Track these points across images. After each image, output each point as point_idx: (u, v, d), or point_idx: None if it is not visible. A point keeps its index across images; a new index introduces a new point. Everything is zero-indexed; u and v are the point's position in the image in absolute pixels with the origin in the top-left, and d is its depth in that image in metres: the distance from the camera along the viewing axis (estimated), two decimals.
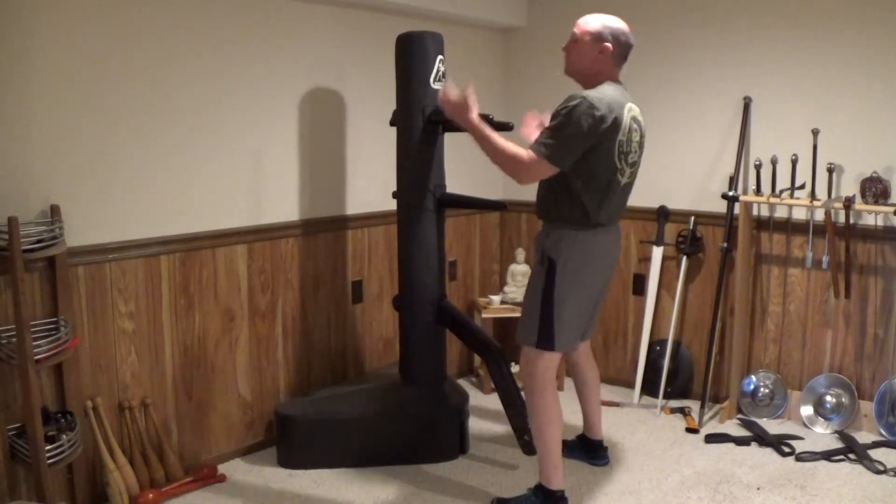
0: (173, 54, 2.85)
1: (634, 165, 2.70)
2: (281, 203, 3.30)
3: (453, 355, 4.15)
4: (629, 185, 2.72)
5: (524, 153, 2.51)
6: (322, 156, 3.45)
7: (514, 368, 4.11)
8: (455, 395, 3.29)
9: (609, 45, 2.61)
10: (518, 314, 3.95)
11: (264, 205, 3.23)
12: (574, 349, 2.97)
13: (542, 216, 2.76)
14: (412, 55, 3.04)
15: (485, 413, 3.69)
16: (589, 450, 3.19)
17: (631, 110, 2.62)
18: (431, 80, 3.05)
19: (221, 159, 3.05)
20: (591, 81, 2.64)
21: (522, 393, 3.05)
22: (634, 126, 2.63)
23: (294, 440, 3.14)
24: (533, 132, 2.83)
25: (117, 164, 2.74)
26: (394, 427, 3.16)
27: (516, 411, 3.03)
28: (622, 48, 2.64)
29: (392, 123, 3.24)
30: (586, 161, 2.53)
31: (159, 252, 2.88)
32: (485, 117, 3.06)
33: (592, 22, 2.64)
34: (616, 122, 2.51)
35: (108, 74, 2.67)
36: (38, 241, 2.41)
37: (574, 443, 3.24)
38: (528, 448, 3.00)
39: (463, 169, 3.78)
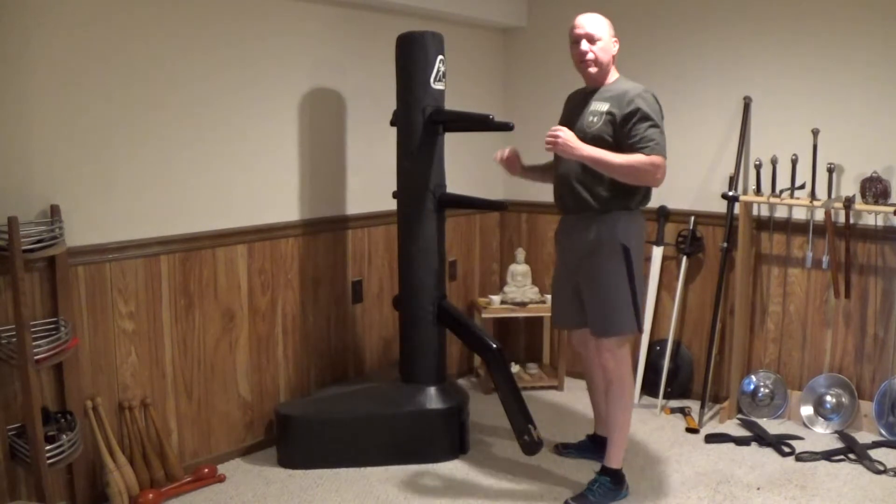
0: (173, 54, 2.85)
1: None
2: (281, 203, 3.30)
3: (453, 355, 4.15)
4: None
5: (652, 158, 2.61)
6: (322, 156, 3.45)
7: (514, 368, 4.12)
8: (455, 395, 3.29)
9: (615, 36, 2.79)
10: (518, 314, 4.02)
11: (264, 205, 3.23)
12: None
13: (599, 205, 2.75)
14: (412, 55, 3.04)
15: (485, 413, 3.68)
16: (602, 447, 3.17)
17: None
18: (431, 80, 3.05)
19: (221, 159, 3.05)
20: (608, 73, 2.78)
21: (523, 391, 3.06)
22: None
23: (294, 440, 3.14)
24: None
25: (117, 164, 2.74)
26: (394, 427, 3.16)
27: (516, 411, 3.02)
28: None
29: (392, 123, 3.24)
30: None
31: (159, 252, 2.88)
32: (485, 117, 3.08)
33: (600, 19, 2.75)
34: None
35: (108, 74, 2.67)
36: (38, 241, 2.41)
37: (584, 443, 3.24)
38: (528, 448, 2.99)
39: (463, 169, 3.78)
